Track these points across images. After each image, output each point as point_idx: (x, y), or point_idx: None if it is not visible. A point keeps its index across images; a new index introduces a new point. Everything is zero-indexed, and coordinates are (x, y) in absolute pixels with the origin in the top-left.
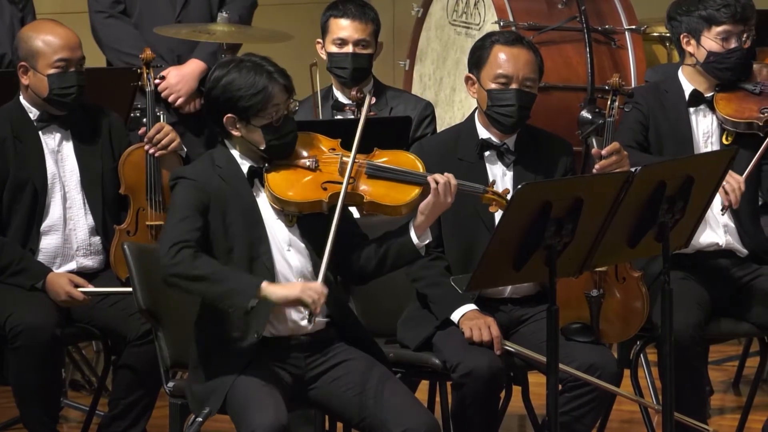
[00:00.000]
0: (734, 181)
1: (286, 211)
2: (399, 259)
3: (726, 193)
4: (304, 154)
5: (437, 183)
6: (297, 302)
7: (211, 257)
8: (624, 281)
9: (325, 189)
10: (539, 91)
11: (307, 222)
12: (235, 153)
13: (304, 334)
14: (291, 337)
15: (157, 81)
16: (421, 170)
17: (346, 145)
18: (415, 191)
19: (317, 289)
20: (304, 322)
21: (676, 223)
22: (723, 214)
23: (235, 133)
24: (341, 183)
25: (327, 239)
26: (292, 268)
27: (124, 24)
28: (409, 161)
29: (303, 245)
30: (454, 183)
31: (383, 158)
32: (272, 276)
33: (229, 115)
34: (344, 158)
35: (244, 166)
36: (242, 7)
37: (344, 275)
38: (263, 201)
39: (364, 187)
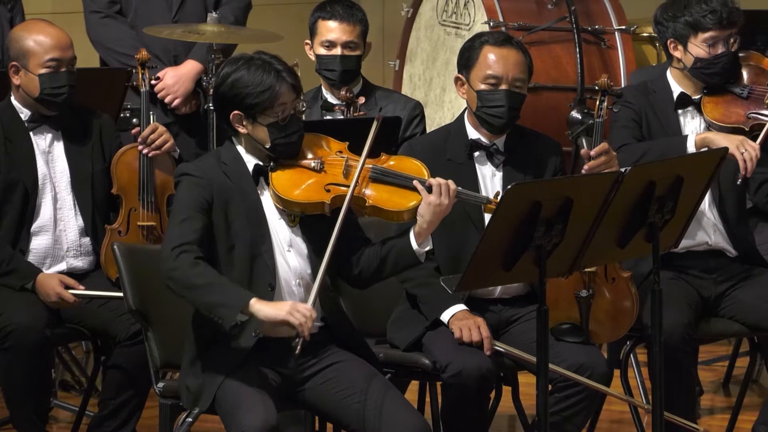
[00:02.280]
0: (751, 149)
1: (289, 211)
2: (398, 264)
3: (744, 161)
4: (310, 155)
5: (433, 184)
6: (284, 323)
7: (210, 266)
8: (614, 281)
9: (328, 191)
10: (528, 92)
11: (309, 223)
12: (242, 150)
13: (296, 337)
14: (283, 339)
15: (153, 81)
16: (427, 177)
17: (353, 149)
18: (419, 197)
19: (305, 312)
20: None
21: (666, 223)
22: (739, 183)
23: (242, 130)
24: (345, 186)
25: (328, 245)
26: (291, 269)
27: (120, 24)
28: (415, 167)
29: (303, 247)
30: (453, 188)
31: (389, 163)
32: (273, 275)
33: (236, 111)
34: (350, 161)
35: (250, 164)
36: (237, 8)
37: (344, 278)
38: (267, 200)
39: (368, 191)
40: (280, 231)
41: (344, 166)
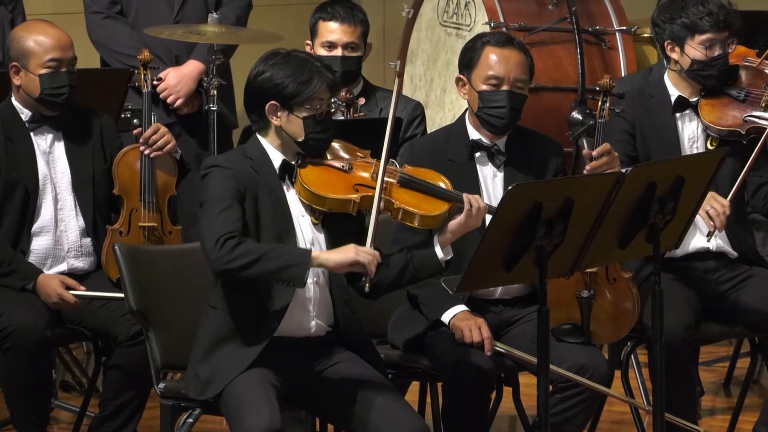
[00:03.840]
0: (719, 206)
1: (315, 206)
2: (420, 272)
3: (711, 218)
4: (337, 156)
5: (471, 206)
6: (354, 265)
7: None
8: (614, 282)
9: (357, 190)
10: (529, 92)
11: (331, 222)
12: (268, 146)
13: (303, 337)
14: (291, 339)
15: (155, 82)
16: (450, 188)
17: (376, 156)
18: (445, 206)
19: (369, 251)
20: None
21: (667, 224)
22: (709, 241)
23: (275, 121)
24: (374, 187)
25: (366, 223)
26: None
27: (121, 25)
28: (437, 178)
29: (324, 245)
30: (484, 206)
31: (411, 172)
32: None
33: (272, 102)
34: (377, 166)
35: (276, 160)
36: (239, 8)
37: (358, 287)
38: (292, 197)
39: (396, 194)
40: (303, 228)
41: (373, 169)
